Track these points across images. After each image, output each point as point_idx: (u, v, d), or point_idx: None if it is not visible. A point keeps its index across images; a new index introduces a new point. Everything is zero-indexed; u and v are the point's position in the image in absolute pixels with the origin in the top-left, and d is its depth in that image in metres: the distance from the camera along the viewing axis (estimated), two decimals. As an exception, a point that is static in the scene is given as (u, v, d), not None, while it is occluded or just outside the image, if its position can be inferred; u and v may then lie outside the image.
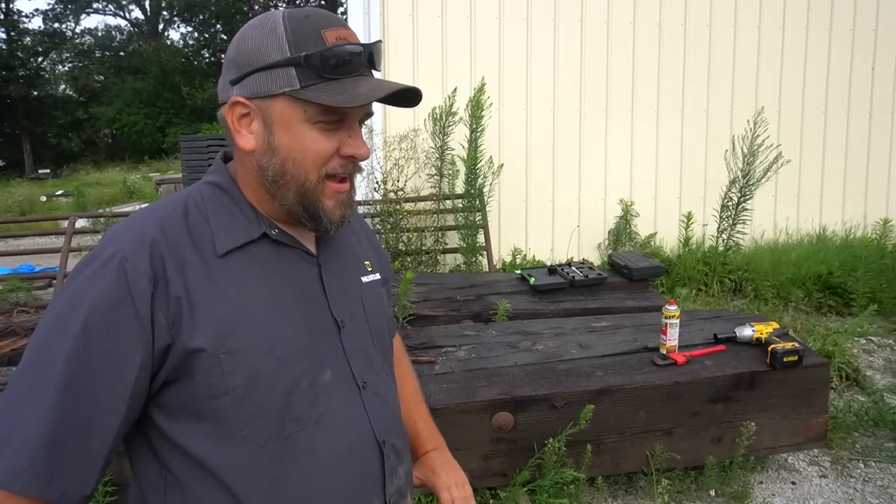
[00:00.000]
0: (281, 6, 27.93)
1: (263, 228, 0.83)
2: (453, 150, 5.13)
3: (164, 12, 32.44)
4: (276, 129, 0.79)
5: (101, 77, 31.05)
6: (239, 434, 0.76)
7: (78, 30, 32.15)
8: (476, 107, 5.03)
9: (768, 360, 2.33)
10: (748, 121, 5.08)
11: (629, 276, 3.66)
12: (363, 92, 0.77)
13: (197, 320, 0.74)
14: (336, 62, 0.77)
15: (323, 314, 0.85)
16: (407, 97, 0.83)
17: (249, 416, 0.76)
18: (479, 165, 5.10)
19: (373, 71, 0.83)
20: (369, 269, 0.98)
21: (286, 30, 0.77)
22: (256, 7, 27.68)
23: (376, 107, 0.87)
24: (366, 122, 0.87)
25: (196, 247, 0.78)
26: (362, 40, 0.80)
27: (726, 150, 5.17)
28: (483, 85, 5.09)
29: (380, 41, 0.84)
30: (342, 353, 0.85)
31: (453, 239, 5.17)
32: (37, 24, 42.15)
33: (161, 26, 32.55)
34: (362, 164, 0.85)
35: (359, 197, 5.16)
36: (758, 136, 4.96)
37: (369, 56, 0.80)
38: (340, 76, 0.78)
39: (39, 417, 0.69)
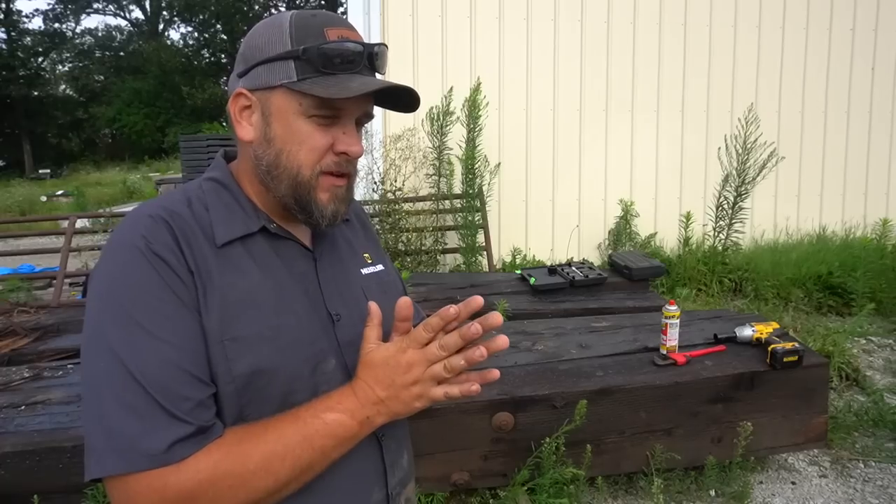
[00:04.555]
0: (281, 6, 28.01)
1: (262, 222, 0.84)
2: (451, 149, 5.13)
3: (164, 12, 32.48)
4: (273, 120, 0.81)
5: (101, 77, 31.07)
6: (240, 416, 0.76)
7: (78, 30, 32.26)
8: (473, 107, 5.03)
9: (768, 361, 2.33)
10: (739, 119, 5.08)
11: (629, 276, 3.66)
12: (355, 86, 0.78)
13: (209, 300, 0.75)
14: (332, 57, 0.79)
15: (319, 307, 0.85)
16: (405, 101, 0.84)
17: (249, 401, 0.77)
18: (476, 165, 5.10)
19: (376, 74, 0.83)
20: (369, 260, 0.98)
21: (291, 26, 0.80)
22: (256, 7, 27.68)
23: (375, 108, 0.87)
24: (365, 126, 0.87)
25: (202, 233, 0.79)
26: (364, 41, 0.81)
27: (719, 148, 5.17)
28: (479, 85, 5.09)
29: (383, 44, 0.84)
30: (337, 345, 0.85)
31: (453, 239, 5.17)
32: (37, 24, 42.37)
33: (161, 26, 32.59)
34: (359, 164, 0.84)
35: (358, 197, 5.17)
36: (750, 133, 4.96)
37: (370, 56, 0.81)
38: (336, 71, 0.79)
39: (133, 401, 0.68)
